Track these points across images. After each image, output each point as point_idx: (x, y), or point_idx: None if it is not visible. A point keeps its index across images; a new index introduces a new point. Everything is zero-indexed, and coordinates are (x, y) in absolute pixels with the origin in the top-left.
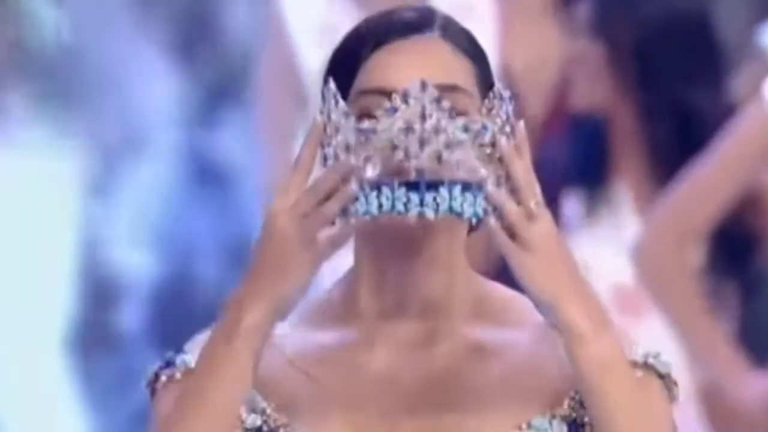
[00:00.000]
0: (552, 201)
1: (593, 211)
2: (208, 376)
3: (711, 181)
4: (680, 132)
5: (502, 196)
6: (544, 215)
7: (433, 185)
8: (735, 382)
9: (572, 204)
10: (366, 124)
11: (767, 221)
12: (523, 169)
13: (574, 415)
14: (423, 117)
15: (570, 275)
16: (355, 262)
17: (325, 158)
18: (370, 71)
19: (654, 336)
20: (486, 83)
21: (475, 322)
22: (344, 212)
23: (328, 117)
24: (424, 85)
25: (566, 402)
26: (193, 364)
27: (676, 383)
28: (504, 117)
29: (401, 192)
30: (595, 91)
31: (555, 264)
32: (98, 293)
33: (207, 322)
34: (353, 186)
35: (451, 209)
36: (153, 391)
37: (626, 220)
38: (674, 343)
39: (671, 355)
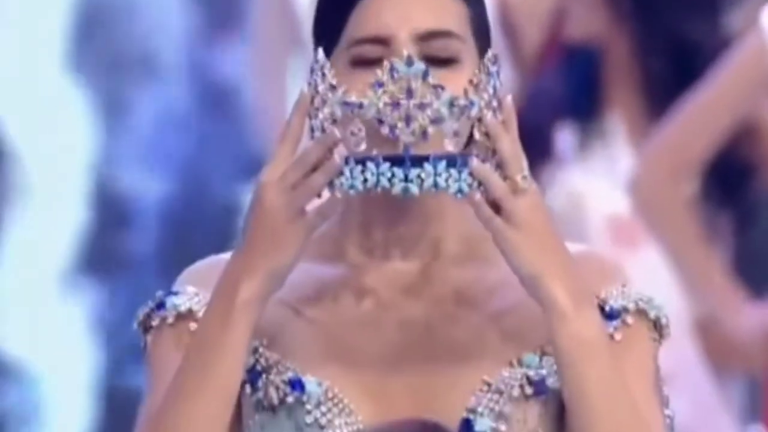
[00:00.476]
0: (546, 133)
1: (587, 144)
2: (205, 352)
3: (707, 112)
4: (676, 64)
5: (487, 170)
6: (531, 190)
7: (418, 161)
8: (731, 314)
9: (566, 136)
10: (353, 98)
11: (764, 151)
12: (509, 143)
13: None
14: (409, 93)
15: (555, 251)
16: (344, 206)
17: (312, 130)
18: (362, 17)
19: (649, 267)
20: (480, 25)
21: (468, 262)
22: (331, 184)
23: (316, 89)
24: (410, 60)
25: None
26: (183, 308)
27: (667, 325)
28: (491, 91)
29: (386, 167)
30: (591, 21)
31: (540, 239)
32: (109, 213)
33: (214, 243)
34: (337, 158)
35: (435, 185)
36: (145, 330)
37: (620, 152)
38: (670, 274)
39: (666, 287)
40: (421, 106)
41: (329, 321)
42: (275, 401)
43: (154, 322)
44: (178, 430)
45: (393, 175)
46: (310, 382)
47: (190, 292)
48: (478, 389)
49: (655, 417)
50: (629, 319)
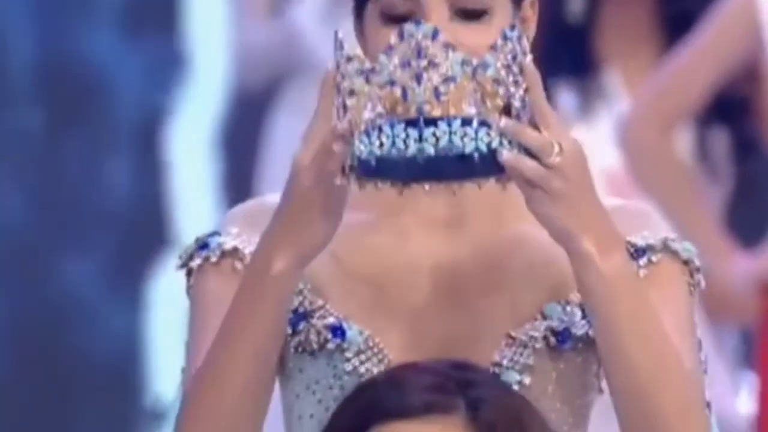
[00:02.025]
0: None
1: (588, 103)
2: (238, 324)
3: (697, 62)
4: (669, 11)
5: (518, 160)
6: (566, 156)
7: (432, 120)
8: (722, 266)
9: (567, 96)
10: (367, 65)
11: (761, 94)
12: (534, 135)
13: None
14: (419, 53)
15: (586, 206)
16: None
17: (337, 107)
18: None
19: None
20: None
21: (499, 214)
22: (356, 163)
23: (338, 66)
24: (418, 22)
25: None
26: (228, 246)
27: (698, 269)
28: (510, 57)
29: (400, 128)
30: None
31: (571, 197)
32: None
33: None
34: (336, 147)
35: (451, 143)
36: (188, 273)
37: (622, 108)
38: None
39: None
40: (432, 65)
41: (369, 270)
42: (315, 346)
43: (197, 262)
44: (214, 397)
45: (407, 135)
46: (351, 329)
47: (234, 232)
48: (503, 343)
49: (688, 355)
50: (654, 258)
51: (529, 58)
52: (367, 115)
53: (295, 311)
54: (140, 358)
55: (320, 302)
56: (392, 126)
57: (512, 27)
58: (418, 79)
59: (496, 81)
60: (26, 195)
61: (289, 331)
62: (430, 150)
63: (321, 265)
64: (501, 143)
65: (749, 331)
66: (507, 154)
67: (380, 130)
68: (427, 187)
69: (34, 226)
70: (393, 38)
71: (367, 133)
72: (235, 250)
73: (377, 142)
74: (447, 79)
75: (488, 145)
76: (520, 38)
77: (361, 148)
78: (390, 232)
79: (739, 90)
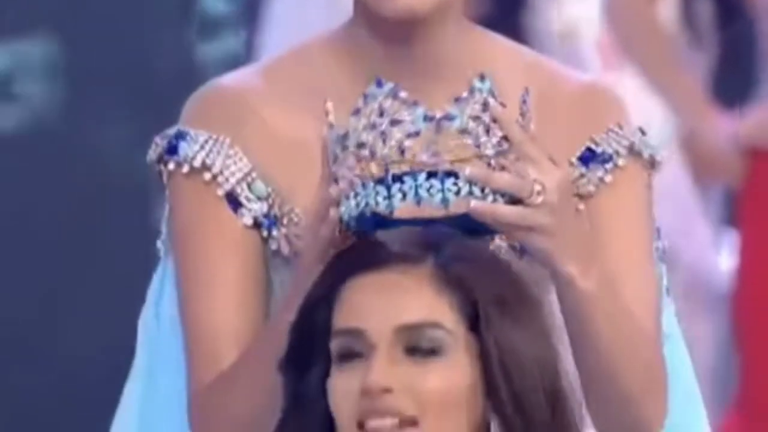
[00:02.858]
0: None
1: None
2: (251, 364)
3: None
4: None
5: (492, 208)
6: (549, 192)
7: (399, 177)
8: (708, 129)
9: None
10: (341, 131)
11: None
12: (506, 180)
13: None
14: (381, 113)
15: (570, 236)
16: (351, 34)
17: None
18: None
19: (636, 89)
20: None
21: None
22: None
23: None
24: (380, 82)
25: None
26: (196, 163)
27: (661, 161)
28: (479, 107)
29: (370, 187)
30: None
31: (557, 235)
32: None
33: None
34: (332, 212)
35: (417, 196)
36: (160, 168)
37: None
38: (656, 94)
39: (652, 106)
40: (395, 123)
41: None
42: (287, 253)
43: (170, 166)
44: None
45: (377, 193)
46: None
47: (200, 140)
48: None
49: (646, 263)
50: (620, 162)
51: (495, 101)
52: (349, 179)
53: (267, 214)
54: None
55: (288, 206)
56: (365, 186)
57: (482, 78)
58: (383, 137)
59: (463, 131)
60: (66, 63)
61: (265, 233)
62: (399, 204)
63: (288, 167)
64: (471, 192)
65: (733, 191)
66: (475, 203)
67: (356, 192)
68: None
69: (75, 94)
70: (359, 101)
71: (347, 196)
72: (203, 165)
73: (354, 203)
74: (411, 135)
75: (457, 193)
76: (491, 90)
77: (341, 210)
78: None
79: None
